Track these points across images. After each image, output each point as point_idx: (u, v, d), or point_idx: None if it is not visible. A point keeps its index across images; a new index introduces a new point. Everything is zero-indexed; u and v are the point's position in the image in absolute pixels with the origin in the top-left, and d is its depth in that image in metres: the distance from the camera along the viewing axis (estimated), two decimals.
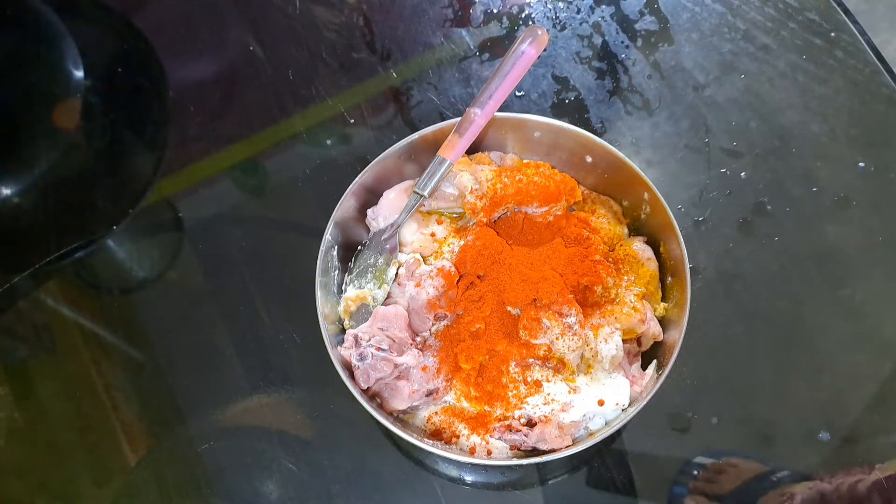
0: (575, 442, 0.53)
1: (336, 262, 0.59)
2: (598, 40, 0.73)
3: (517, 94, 0.72)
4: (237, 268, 0.68)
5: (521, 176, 0.59)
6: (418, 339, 0.57)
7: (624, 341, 0.56)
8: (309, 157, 0.72)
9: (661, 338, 0.56)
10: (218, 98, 0.75)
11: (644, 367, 0.57)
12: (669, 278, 0.58)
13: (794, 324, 0.64)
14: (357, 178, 0.59)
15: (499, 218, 0.61)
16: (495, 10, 0.76)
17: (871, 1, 1.43)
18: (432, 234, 0.60)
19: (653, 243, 0.60)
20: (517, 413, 0.54)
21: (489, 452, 0.54)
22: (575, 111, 0.71)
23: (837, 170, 0.68)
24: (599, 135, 0.64)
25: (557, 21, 0.75)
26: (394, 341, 0.55)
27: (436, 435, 0.55)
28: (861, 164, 0.68)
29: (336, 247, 0.59)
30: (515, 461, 0.52)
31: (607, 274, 0.56)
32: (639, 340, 0.57)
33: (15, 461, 0.64)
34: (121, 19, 0.78)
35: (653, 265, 0.59)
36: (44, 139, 0.73)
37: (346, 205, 0.59)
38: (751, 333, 0.64)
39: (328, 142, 0.73)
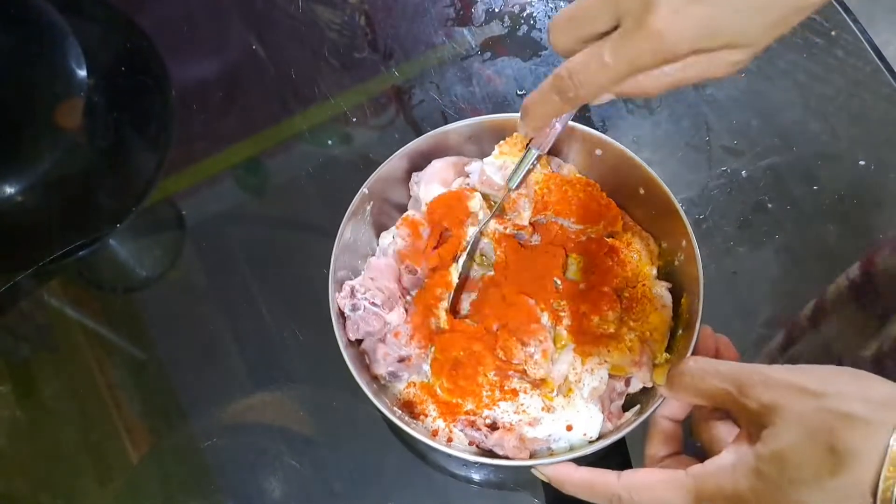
0: (532, 456, 0.53)
1: (368, 216, 0.59)
2: None
3: (518, 93, 0.72)
4: (239, 266, 0.68)
5: (567, 188, 0.58)
6: (409, 297, 0.57)
7: (612, 376, 0.55)
8: (311, 156, 0.72)
9: (650, 385, 0.55)
10: (220, 97, 0.75)
11: (626, 407, 0.56)
12: (680, 331, 0.56)
13: (793, 323, 0.64)
14: (411, 143, 0.58)
15: (534, 221, 0.60)
16: (497, 9, 0.76)
17: (871, 1, 1.43)
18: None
19: (677, 294, 0.58)
20: (485, 412, 0.54)
21: (449, 440, 0.54)
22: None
23: (838, 169, 0.68)
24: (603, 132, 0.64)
25: None
26: (383, 292, 0.55)
27: (406, 406, 0.55)
28: (861, 163, 0.68)
29: (372, 202, 0.58)
30: (470, 456, 0.51)
31: (609, 307, 0.55)
32: (628, 381, 0.56)
33: (17, 460, 0.64)
34: (124, 19, 0.78)
35: (666, 313, 0.57)
36: (46, 138, 0.74)
37: (394, 164, 0.58)
38: (751, 332, 0.64)
39: (330, 141, 0.73)
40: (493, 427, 0.54)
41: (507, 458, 0.52)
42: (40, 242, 0.70)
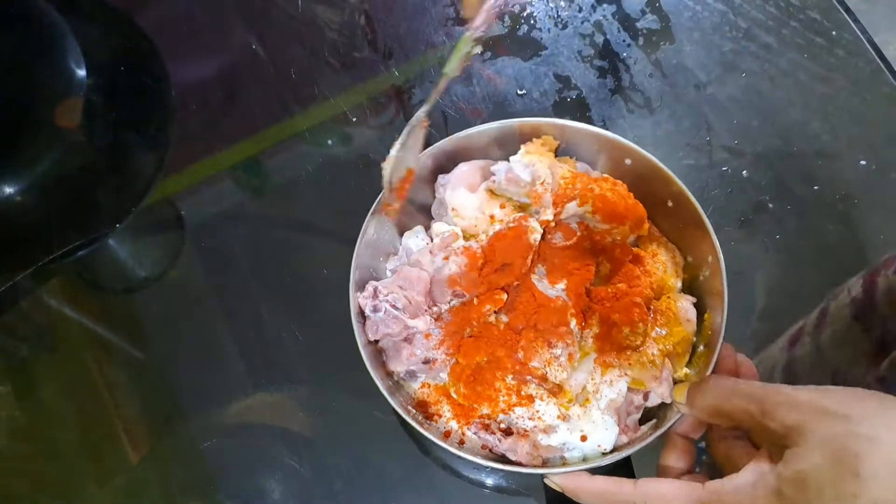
0: (545, 464, 0.52)
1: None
2: (599, 39, 0.74)
3: (518, 92, 0.72)
4: (239, 266, 0.68)
5: (594, 185, 0.57)
6: (435, 308, 0.56)
7: (631, 390, 0.54)
8: (311, 156, 0.72)
9: (669, 401, 0.54)
10: (220, 97, 0.75)
11: (643, 421, 0.55)
12: (701, 347, 0.55)
13: (795, 322, 0.64)
14: (438, 144, 0.58)
15: (561, 221, 0.59)
16: (497, 9, 0.76)
17: (871, 0, 1.44)
18: (491, 216, 0.58)
19: (700, 309, 0.57)
20: (501, 417, 0.53)
21: (462, 442, 0.53)
22: (576, 110, 0.71)
23: (839, 168, 0.68)
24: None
25: (559, 20, 0.75)
26: (410, 303, 0.55)
27: (420, 406, 0.55)
28: (862, 163, 0.68)
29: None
30: (483, 461, 0.51)
31: (640, 319, 0.54)
32: (646, 395, 0.55)
33: (16, 460, 0.64)
34: (123, 18, 0.78)
35: (690, 328, 0.56)
36: (46, 138, 0.73)
37: (422, 163, 0.58)
38: (751, 332, 0.64)
39: (330, 141, 0.73)
40: (508, 432, 0.53)
41: (519, 463, 0.52)
42: (39, 242, 0.70)
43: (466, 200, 0.59)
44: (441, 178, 0.60)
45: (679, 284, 0.58)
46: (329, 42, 0.76)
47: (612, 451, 0.52)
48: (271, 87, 0.75)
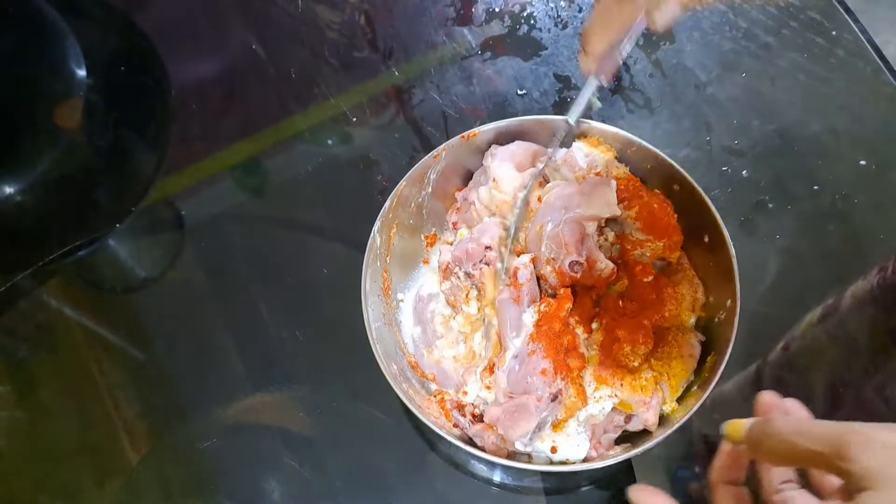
0: (510, 456, 0.52)
1: (430, 187, 0.59)
2: None
3: (519, 92, 0.72)
4: (239, 266, 0.68)
5: (643, 193, 0.57)
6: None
7: (615, 410, 0.54)
8: (311, 156, 0.72)
9: (652, 429, 0.54)
10: (220, 97, 0.75)
11: (619, 442, 0.55)
12: (696, 387, 0.55)
13: (795, 322, 0.64)
14: (506, 121, 0.59)
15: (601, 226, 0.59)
16: (497, 9, 0.76)
17: (871, 1, 1.43)
18: (528, 200, 0.59)
19: (706, 349, 0.57)
20: (477, 402, 0.54)
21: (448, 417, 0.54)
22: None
23: (838, 168, 0.68)
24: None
25: (559, 20, 0.75)
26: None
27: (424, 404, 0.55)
28: (862, 163, 0.68)
29: (439, 166, 0.59)
30: (451, 437, 0.51)
31: (643, 342, 0.54)
32: (629, 417, 0.55)
33: (16, 460, 0.64)
34: (123, 18, 0.78)
35: (690, 364, 0.56)
36: (45, 138, 0.73)
37: (483, 134, 0.60)
38: (751, 332, 0.64)
39: (330, 141, 0.73)
40: (480, 418, 0.53)
41: (483, 449, 0.52)
42: (39, 243, 0.70)
43: (510, 177, 0.59)
44: (493, 148, 0.60)
45: (693, 320, 0.58)
46: (329, 42, 0.76)
47: (580, 462, 0.53)
48: (271, 87, 0.75)
